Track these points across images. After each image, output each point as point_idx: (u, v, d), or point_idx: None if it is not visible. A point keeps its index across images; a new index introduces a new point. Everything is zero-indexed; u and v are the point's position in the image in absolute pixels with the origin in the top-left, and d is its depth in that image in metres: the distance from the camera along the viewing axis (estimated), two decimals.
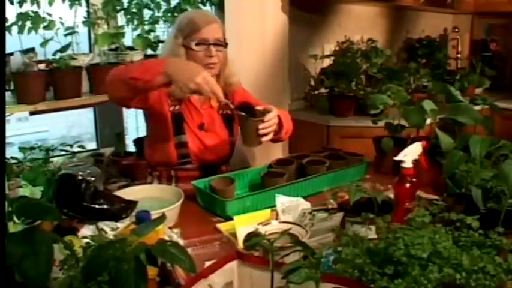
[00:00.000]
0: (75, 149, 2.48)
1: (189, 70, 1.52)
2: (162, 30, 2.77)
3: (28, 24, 2.18)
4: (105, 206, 1.34)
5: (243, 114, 1.62)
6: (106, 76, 1.65)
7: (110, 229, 1.25)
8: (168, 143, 1.85)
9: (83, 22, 2.41)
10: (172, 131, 1.84)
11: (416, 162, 1.35)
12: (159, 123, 1.85)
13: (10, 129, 2.71)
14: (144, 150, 2.01)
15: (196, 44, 1.78)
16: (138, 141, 2.74)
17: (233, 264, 0.95)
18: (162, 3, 2.63)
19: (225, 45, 1.84)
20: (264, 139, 1.65)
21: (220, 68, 1.86)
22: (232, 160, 2.02)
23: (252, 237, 0.95)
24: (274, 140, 1.81)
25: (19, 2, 2.19)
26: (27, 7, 2.20)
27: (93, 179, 1.58)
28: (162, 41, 2.63)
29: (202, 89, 1.49)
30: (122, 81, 1.58)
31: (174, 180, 1.87)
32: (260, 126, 1.61)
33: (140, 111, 2.08)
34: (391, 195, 1.38)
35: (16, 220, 0.92)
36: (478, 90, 3.30)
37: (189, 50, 1.79)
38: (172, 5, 2.66)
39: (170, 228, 1.33)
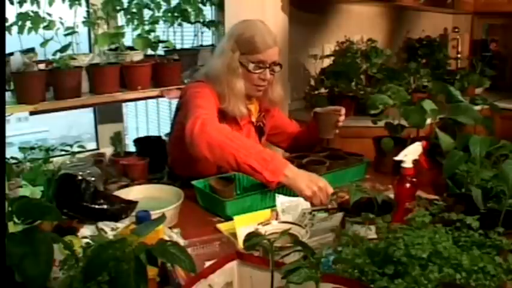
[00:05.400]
0: (75, 149, 2.48)
1: (310, 175, 1.53)
2: (162, 30, 2.77)
3: (28, 24, 2.18)
4: (105, 206, 1.35)
5: (324, 110, 1.92)
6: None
7: (110, 229, 1.25)
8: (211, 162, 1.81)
9: (83, 22, 2.40)
10: None
11: (416, 162, 1.35)
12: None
13: (10, 129, 2.71)
14: (172, 162, 1.96)
15: (254, 67, 1.76)
16: (138, 141, 2.75)
17: (233, 264, 0.95)
18: (162, 3, 2.62)
19: (280, 67, 1.83)
20: (337, 131, 1.89)
21: (268, 86, 1.86)
22: None
23: (252, 237, 0.94)
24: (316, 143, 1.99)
25: (19, 2, 2.19)
26: (27, 7, 2.20)
27: (93, 179, 1.58)
28: (162, 41, 2.63)
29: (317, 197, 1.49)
30: (233, 156, 1.51)
31: None
32: (341, 118, 1.87)
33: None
34: (391, 195, 1.38)
35: (16, 220, 0.92)
36: (478, 90, 3.30)
37: (245, 69, 1.77)
38: (172, 5, 2.66)
39: (170, 228, 1.33)
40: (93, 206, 1.34)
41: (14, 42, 2.17)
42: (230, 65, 1.76)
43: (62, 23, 2.26)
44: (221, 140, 1.54)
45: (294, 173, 1.52)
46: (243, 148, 1.53)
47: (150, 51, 2.55)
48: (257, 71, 1.76)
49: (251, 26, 1.80)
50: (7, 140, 1.31)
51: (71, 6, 2.35)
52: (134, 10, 2.53)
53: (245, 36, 1.76)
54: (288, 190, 1.60)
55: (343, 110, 1.88)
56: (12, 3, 2.19)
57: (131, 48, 2.49)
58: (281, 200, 1.44)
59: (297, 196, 1.49)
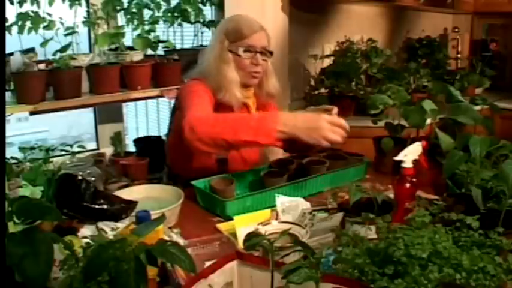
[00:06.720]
0: (75, 149, 2.48)
1: (308, 121, 1.50)
2: (162, 30, 2.77)
3: (28, 24, 2.18)
4: (105, 206, 1.35)
5: (315, 109, 1.81)
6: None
7: (110, 229, 1.25)
8: (211, 161, 1.82)
9: (83, 22, 2.40)
10: None
11: (416, 162, 1.35)
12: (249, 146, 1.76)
13: (10, 129, 2.71)
14: (171, 162, 1.96)
15: (244, 51, 1.77)
16: (138, 141, 2.75)
17: (233, 264, 0.95)
18: (162, 3, 2.63)
19: (271, 54, 1.84)
20: None
21: (263, 79, 1.87)
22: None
23: (252, 237, 0.94)
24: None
25: (19, 2, 2.19)
26: (27, 7, 2.20)
27: (93, 179, 1.58)
28: (162, 41, 2.63)
29: (331, 139, 1.50)
30: (225, 141, 1.52)
31: None
32: None
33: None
34: (391, 195, 1.38)
35: (16, 220, 0.92)
36: (478, 90, 3.30)
37: (235, 55, 1.79)
38: (172, 5, 2.66)
39: (170, 228, 1.33)
40: (93, 206, 1.34)
41: (14, 42, 2.17)
42: (221, 55, 1.79)
43: (62, 23, 2.26)
44: (208, 131, 1.54)
45: (290, 125, 1.50)
46: (229, 128, 1.53)
47: (150, 51, 2.56)
48: (247, 56, 1.78)
49: (235, 17, 1.89)
50: (7, 140, 1.31)
51: (71, 6, 2.35)
52: (134, 10, 2.53)
53: (231, 25, 1.82)
54: (288, 190, 1.60)
55: (334, 110, 1.80)
56: (12, 3, 2.19)
57: (131, 48, 2.49)
58: (281, 200, 1.44)
59: (297, 196, 1.50)
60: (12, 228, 0.91)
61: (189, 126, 1.55)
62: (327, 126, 1.49)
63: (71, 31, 2.30)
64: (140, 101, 3.12)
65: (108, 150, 2.71)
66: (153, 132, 3.71)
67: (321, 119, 1.50)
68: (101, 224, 1.28)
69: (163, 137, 2.70)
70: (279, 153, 2.30)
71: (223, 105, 1.77)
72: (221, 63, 1.79)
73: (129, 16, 2.52)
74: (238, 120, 1.57)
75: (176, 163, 1.93)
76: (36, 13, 2.19)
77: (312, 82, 3.18)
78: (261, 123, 1.52)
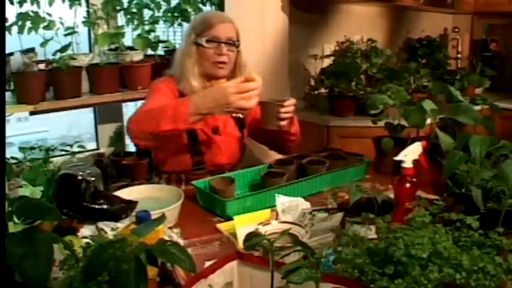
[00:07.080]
0: (75, 149, 2.48)
1: (217, 100, 1.54)
2: (162, 30, 2.77)
3: (28, 24, 2.18)
4: (105, 206, 1.35)
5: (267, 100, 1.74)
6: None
7: (110, 229, 1.25)
8: (183, 153, 1.84)
9: (83, 22, 2.41)
10: (187, 140, 1.83)
11: (416, 162, 1.35)
12: (174, 134, 1.80)
13: (10, 129, 2.71)
14: (151, 155, 1.98)
15: (207, 41, 1.78)
16: None
17: (233, 264, 0.95)
18: (162, 3, 2.63)
19: (237, 45, 1.84)
20: (282, 123, 1.72)
21: (236, 72, 1.87)
22: (242, 163, 2.02)
23: (252, 237, 0.94)
24: (284, 139, 1.91)
25: (19, 2, 2.19)
26: (27, 7, 2.21)
27: (93, 179, 1.58)
28: (162, 41, 2.63)
29: (244, 106, 1.54)
30: (151, 134, 1.61)
31: (184, 183, 1.85)
32: (282, 110, 1.70)
33: None
34: (391, 195, 1.38)
35: (16, 220, 0.92)
36: (478, 90, 3.30)
37: (200, 47, 1.80)
38: (172, 5, 2.66)
39: (170, 228, 1.33)
40: (93, 206, 1.34)
41: (14, 42, 2.18)
42: (185, 48, 1.83)
43: (62, 23, 2.27)
44: (137, 128, 1.64)
45: (202, 107, 1.55)
46: (151, 121, 1.60)
47: (150, 51, 2.56)
48: (211, 46, 1.79)
49: (204, 12, 1.97)
50: (7, 140, 1.31)
51: (71, 6, 2.36)
52: (134, 10, 2.54)
53: (198, 19, 1.88)
54: (288, 190, 1.60)
55: (288, 101, 1.72)
56: (12, 3, 2.19)
57: (131, 48, 2.49)
58: (281, 200, 1.44)
59: (297, 196, 1.50)
60: (12, 228, 0.91)
61: (126, 126, 1.67)
62: (236, 97, 1.52)
63: (71, 31, 2.30)
64: (140, 101, 3.12)
65: (108, 150, 2.71)
66: None
67: (228, 94, 1.52)
68: (101, 224, 1.28)
69: None
70: (278, 154, 2.31)
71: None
72: (184, 57, 1.82)
73: (129, 16, 2.53)
74: (157, 112, 1.61)
75: (156, 160, 1.95)
76: (36, 13, 2.20)
77: (312, 82, 3.17)
78: (176, 110, 1.57)
